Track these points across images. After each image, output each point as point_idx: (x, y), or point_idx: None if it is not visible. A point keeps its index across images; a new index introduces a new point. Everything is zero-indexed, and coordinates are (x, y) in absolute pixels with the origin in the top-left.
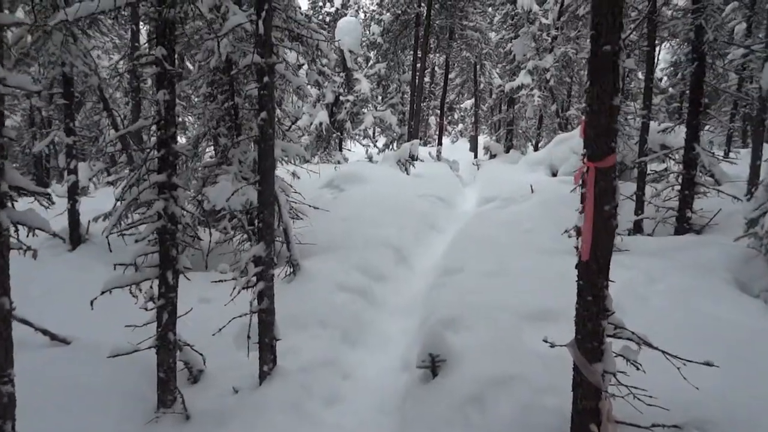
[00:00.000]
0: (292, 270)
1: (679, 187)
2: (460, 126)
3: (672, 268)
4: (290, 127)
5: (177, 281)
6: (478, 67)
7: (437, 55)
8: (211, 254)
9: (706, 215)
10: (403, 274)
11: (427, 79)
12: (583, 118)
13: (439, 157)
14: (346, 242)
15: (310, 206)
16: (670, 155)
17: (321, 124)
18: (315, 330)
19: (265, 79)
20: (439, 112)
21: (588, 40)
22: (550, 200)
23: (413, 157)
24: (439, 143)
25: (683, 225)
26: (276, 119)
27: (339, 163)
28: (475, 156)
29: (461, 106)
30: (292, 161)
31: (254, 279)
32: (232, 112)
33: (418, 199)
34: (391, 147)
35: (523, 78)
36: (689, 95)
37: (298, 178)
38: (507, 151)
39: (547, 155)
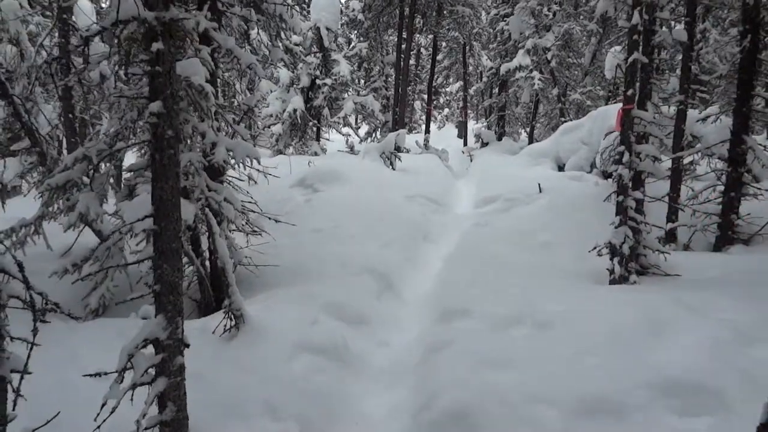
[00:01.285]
0: (233, 323)
1: (722, 188)
2: (446, 111)
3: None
4: (242, 118)
5: None
6: (467, 48)
7: (424, 35)
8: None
9: (755, 222)
10: (390, 310)
11: (412, 61)
12: (619, 108)
13: (426, 146)
14: (316, 267)
15: (271, 218)
16: (709, 150)
17: (295, 110)
18: (261, 422)
19: (157, 46)
20: (425, 96)
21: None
22: (564, 202)
23: (399, 149)
24: (427, 131)
25: (727, 233)
26: (215, 109)
27: (316, 154)
28: (465, 143)
29: (447, 90)
30: (243, 164)
31: (150, 373)
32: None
33: (406, 202)
34: (374, 136)
35: (521, 58)
36: (738, 76)
37: (254, 182)
38: (499, 139)
39: (553, 146)
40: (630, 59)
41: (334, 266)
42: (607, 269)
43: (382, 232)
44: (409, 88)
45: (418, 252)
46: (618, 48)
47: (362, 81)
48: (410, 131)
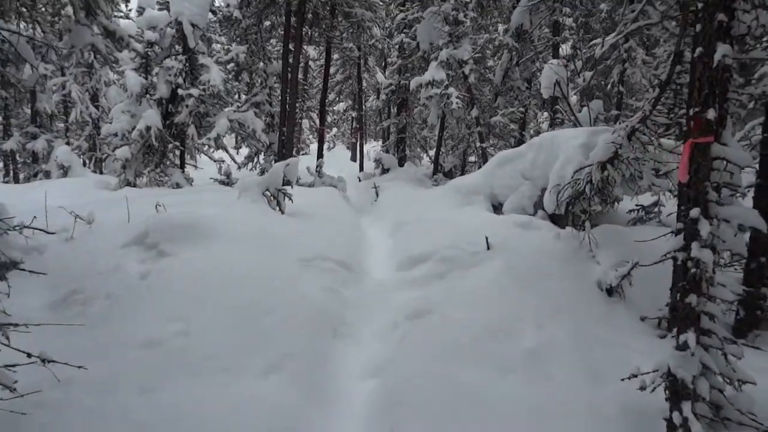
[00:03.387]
0: None
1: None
2: (335, 131)
3: None
4: None
5: None
6: (361, 62)
7: (314, 45)
8: None
9: None
10: None
11: (300, 75)
12: (684, 144)
13: (320, 174)
14: None
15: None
16: None
17: (149, 128)
18: None
19: None
20: (314, 114)
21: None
22: (524, 265)
23: (289, 184)
24: (320, 155)
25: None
26: None
27: (178, 185)
28: (361, 168)
29: (334, 108)
30: None
31: None
32: None
33: (302, 270)
34: (255, 161)
35: (434, 72)
36: None
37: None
38: (401, 164)
39: (486, 181)
40: (716, 56)
41: None
42: (665, 419)
43: (267, 339)
44: (297, 104)
45: (327, 374)
46: (556, 61)
47: (241, 94)
48: (298, 152)
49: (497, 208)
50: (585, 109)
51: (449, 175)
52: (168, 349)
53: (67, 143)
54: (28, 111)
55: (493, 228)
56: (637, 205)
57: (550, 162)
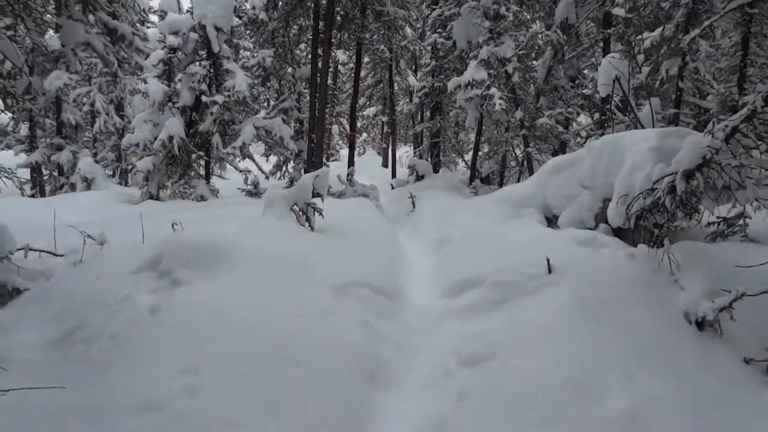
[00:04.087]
0: None
1: None
2: (364, 135)
3: None
4: None
5: None
6: (393, 64)
7: (342, 49)
8: None
9: None
10: None
11: (329, 80)
12: None
13: (351, 182)
14: None
15: None
16: None
17: (172, 138)
18: None
19: None
20: (343, 120)
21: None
22: (595, 292)
23: (320, 196)
24: (351, 162)
25: None
26: None
27: (203, 197)
28: (393, 174)
29: (364, 113)
30: None
31: None
32: None
33: (335, 300)
34: (284, 170)
35: (473, 71)
36: None
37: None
38: (435, 170)
39: (538, 190)
40: None
41: None
42: None
43: (292, 398)
44: (326, 110)
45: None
46: (616, 55)
47: (270, 101)
48: (328, 159)
49: (551, 221)
50: (646, 107)
51: (486, 181)
52: (172, 413)
53: (95, 154)
54: (54, 122)
55: (550, 245)
56: (718, 218)
57: (613, 168)
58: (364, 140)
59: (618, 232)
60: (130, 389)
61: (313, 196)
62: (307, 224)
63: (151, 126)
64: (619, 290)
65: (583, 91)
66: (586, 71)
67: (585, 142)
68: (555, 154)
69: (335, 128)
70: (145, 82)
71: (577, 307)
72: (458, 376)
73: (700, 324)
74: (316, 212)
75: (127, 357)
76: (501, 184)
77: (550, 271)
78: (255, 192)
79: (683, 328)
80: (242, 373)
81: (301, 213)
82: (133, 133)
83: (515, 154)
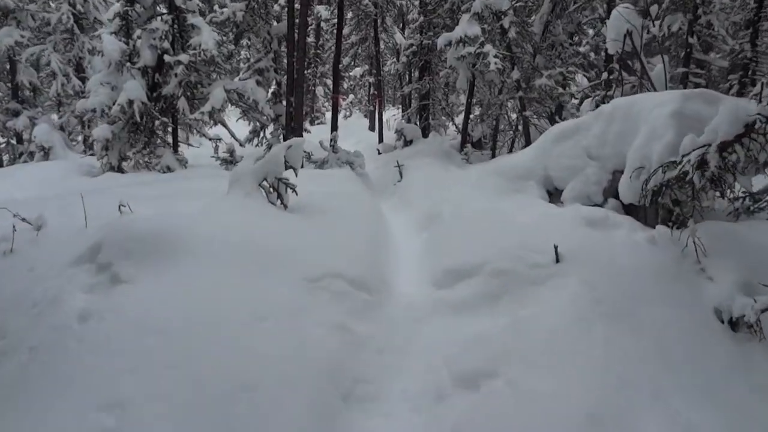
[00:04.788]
0: None
1: None
2: (351, 97)
3: None
4: None
5: None
6: (379, 20)
7: (324, 5)
8: None
9: None
10: None
11: (311, 38)
12: None
13: (334, 148)
14: None
15: None
16: None
17: (132, 103)
18: None
19: None
20: (328, 81)
21: None
22: (610, 285)
23: (293, 169)
24: (334, 127)
25: None
26: None
27: (169, 168)
28: (380, 139)
29: (350, 74)
30: None
31: None
32: None
33: (306, 298)
34: (261, 137)
35: (466, 26)
36: None
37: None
38: (425, 135)
39: (538, 160)
40: None
41: None
42: None
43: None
44: (309, 71)
45: None
46: (627, 5)
47: (239, 60)
48: (312, 122)
49: (552, 195)
50: (658, 67)
51: (478, 145)
52: None
53: (59, 120)
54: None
55: (555, 226)
56: (743, 193)
57: (626, 137)
58: (351, 102)
59: (629, 209)
60: (41, 426)
61: (285, 168)
62: (279, 201)
63: (109, 89)
64: (639, 283)
65: (579, 48)
66: (585, 26)
67: (581, 104)
68: (551, 117)
69: (320, 89)
70: (92, 40)
71: (591, 305)
72: (453, 399)
73: (733, 323)
74: (288, 189)
75: (42, 380)
76: (494, 149)
77: (558, 260)
78: (231, 160)
79: (715, 330)
80: (181, 403)
81: (271, 189)
82: (88, 97)
83: (508, 117)
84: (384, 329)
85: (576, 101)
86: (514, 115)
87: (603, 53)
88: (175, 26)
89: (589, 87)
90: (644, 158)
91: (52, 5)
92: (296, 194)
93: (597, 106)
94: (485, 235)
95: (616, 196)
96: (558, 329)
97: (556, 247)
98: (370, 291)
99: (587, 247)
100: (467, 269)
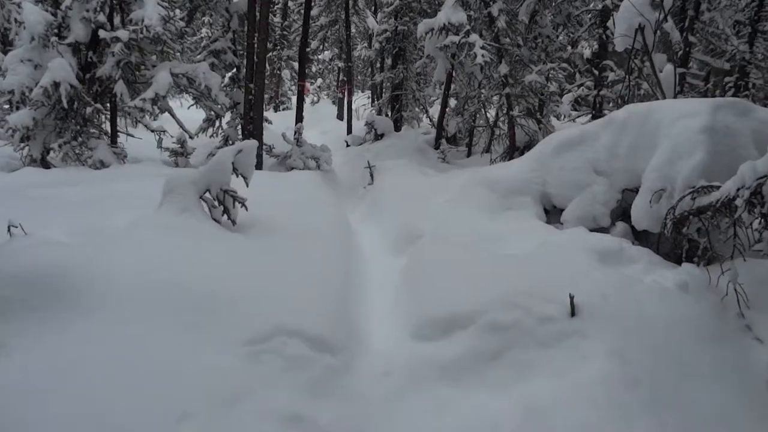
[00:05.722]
0: None
1: None
2: (319, 81)
3: None
4: None
5: None
6: (351, 2)
7: None
8: None
9: None
10: None
11: (278, 18)
12: None
13: (299, 142)
14: None
15: None
16: None
17: (58, 85)
18: None
19: None
20: (296, 64)
21: None
22: (645, 353)
23: (245, 178)
24: (299, 117)
25: None
26: None
27: (102, 163)
28: (349, 129)
29: (319, 57)
30: None
31: None
32: None
33: (246, 373)
34: (216, 128)
35: (450, 12)
36: None
37: None
38: (397, 128)
39: (535, 173)
40: None
41: None
42: None
43: None
44: (274, 53)
45: None
46: None
47: (199, 42)
48: (277, 108)
49: (550, 213)
50: (667, 66)
51: (453, 141)
52: None
53: None
54: None
55: (562, 260)
56: None
57: (642, 151)
58: (319, 87)
59: (638, 234)
60: None
61: (236, 175)
62: (227, 217)
63: (31, 68)
64: (677, 349)
65: (563, 42)
66: (577, 18)
67: (561, 101)
68: (533, 114)
69: (286, 73)
70: (20, 7)
71: (627, 388)
72: None
73: None
74: (237, 202)
75: None
76: (470, 146)
77: (573, 313)
78: (182, 152)
79: None
80: None
81: (216, 203)
82: (5, 77)
83: (485, 113)
84: (353, 412)
85: (558, 98)
86: (492, 113)
87: (590, 49)
88: None
89: (575, 85)
90: (665, 179)
91: None
92: (246, 209)
93: (576, 100)
94: (476, 271)
95: (625, 219)
96: (589, 425)
97: (572, 298)
98: (334, 351)
99: (607, 294)
100: (456, 319)
